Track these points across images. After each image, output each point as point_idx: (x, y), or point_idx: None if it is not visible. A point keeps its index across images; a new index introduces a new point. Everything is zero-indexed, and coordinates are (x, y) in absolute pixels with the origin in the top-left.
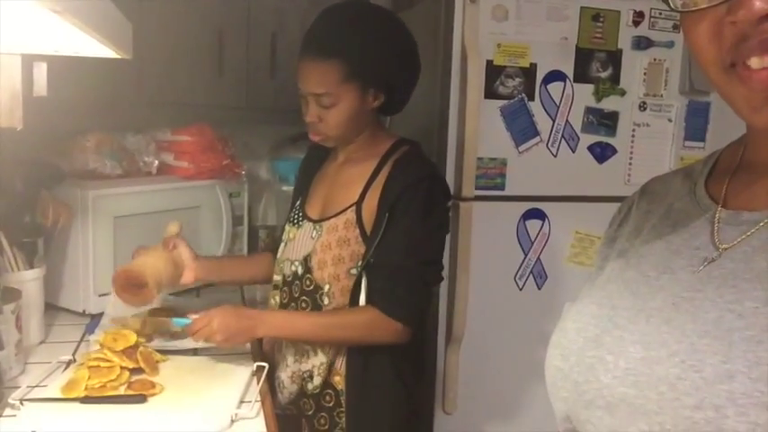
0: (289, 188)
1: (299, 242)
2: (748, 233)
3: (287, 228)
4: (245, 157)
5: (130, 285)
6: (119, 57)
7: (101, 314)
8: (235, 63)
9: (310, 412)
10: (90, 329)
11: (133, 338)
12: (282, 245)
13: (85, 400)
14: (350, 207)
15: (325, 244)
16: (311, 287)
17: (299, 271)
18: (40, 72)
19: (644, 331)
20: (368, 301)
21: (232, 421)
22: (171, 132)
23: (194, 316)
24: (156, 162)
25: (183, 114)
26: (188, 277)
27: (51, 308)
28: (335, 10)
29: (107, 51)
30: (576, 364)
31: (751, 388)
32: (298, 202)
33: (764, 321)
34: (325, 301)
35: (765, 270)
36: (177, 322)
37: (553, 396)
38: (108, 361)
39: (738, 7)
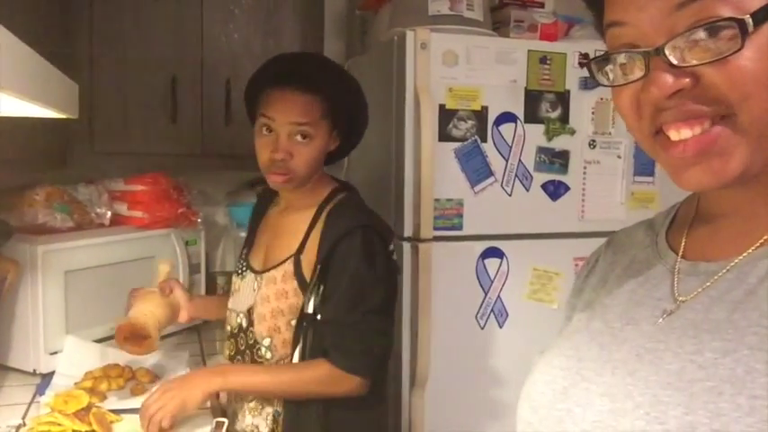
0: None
1: (242, 294)
2: (707, 284)
3: (233, 279)
4: (202, 204)
5: (134, 336)
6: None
7: (52, 373)
8: (189, 110)
9: None
10: (41, 390)
11: (85, 399)
12: (231, 296)
13: None
14: (288, 259)
15: (264, 296)
16: (252, 341)
17: (243, 323)
18: None
19: (610, 383)
20: (318, 356)
21: None
22: (124, 182)
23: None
24: (109, 213)
25: (136, 163)
26: (183, 317)
27: (0, 368)
28: (302, 54)
29: (52, 114)
30: (545, 417)
31: None
32: (243, 251)
33: (724, 372)
34: (267, 354)
35: (724, 320)
36: None
37: None
38: (59, 425)
39: (650, 84)
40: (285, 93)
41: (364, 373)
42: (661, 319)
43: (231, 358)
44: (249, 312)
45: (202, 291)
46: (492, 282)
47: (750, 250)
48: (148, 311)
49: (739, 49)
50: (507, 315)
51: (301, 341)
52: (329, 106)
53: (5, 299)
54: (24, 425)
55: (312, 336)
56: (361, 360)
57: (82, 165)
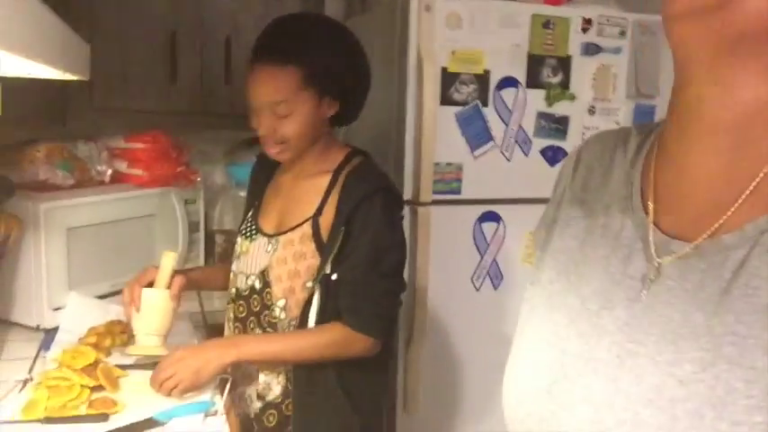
0: (245, 193)
1: (253, 256)
2: (688, 271)
3: (239, 240)
4: (201, 163)
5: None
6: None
7: (56, 329)
8: (188, 68)
9: (273, 423)
10: (45, 346)
11: (92, 355)
12: (236, 258)
13: (46, 420)
14: (306, 221)
15: (281, 258)
16: (269, 302)
17: (257, 285)
18: None
19: (592, 388)
20: (331, 316)
21: None
22: (124, 140)
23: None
24: (110, 171)
25: (135, 121)
26: (177, 283)
27: (3, 323)
28: (288, 18)
29: (65, 76)
30: (530, 413)
31: None
32: (250, 214)
33: (704, 391)
34: (281, 315)
35: (701, 325)
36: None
37: (508, 427)
38: (67, 380)
39: None
40: (257, 70)
41: (377, 335)
42: (637, 305)
43: (240, 320)
44: (264, 274)
45: (201, 249)
46: (488, 245)
47: (717, 225)
48: (157, 328)
49: None
50: (502, 278)
51: (318, 301)
52: (309, 74)
53: (8, 255)
54: (31, 379)
55: (326, 296)
56: (375, 322)
57: (81, 121)
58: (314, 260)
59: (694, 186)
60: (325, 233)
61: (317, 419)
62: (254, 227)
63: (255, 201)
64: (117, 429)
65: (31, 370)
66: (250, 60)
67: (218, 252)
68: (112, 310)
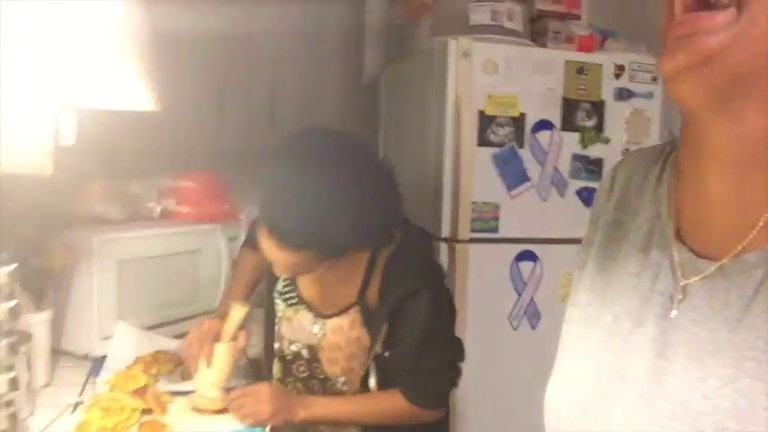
0: None
1: (298, 327)
2: (718, 289)
3: (279, 303)
4: (243, 203)
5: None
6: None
7: (103, 357)
8: (235, 113)
9: None
10: (94, 372)
11: (143, 380)
12: (277, 320)
13: None
14: (352, 306)
15: (334, 344)
16: (322, 376)
17: (304, 353)
18: (69, 122)
19: (625, 406)
20: (391, 386)
21: None
22: (173, 178)
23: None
24: (159, 207)
25: (184, 161)
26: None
27: (54, 351)
28: (296, 179)
29: (146, 105)
30: (565, 430)
31: None
32: (288, 281)
33: (727, 405)
34: (344, 388)
35: (724, 342)
36: None
37: None
38: (119, 401)
39: None
40: (268, 243)
41: (440, 405)
42: (665, 323)
43: (285, 380)
44: (312, 350)
45: None
46: (526, 284)
47: (740, 246)
48: (221, 381)
49: None
50: (540, 317)
51: (375, 378)
52: (323, 253)
53: (62, 285)
54: (82, 403)
55: (383, 372)
56: (434, 397)
57: (132, 159)
58: (368, 341)
59: (713, 211)
60: (372, 315)
61: None
62: (294, 294)
63: None
64: None
65: (81, 394)
66: (260, 223)
67: (257, 290)
68: (157, 341)
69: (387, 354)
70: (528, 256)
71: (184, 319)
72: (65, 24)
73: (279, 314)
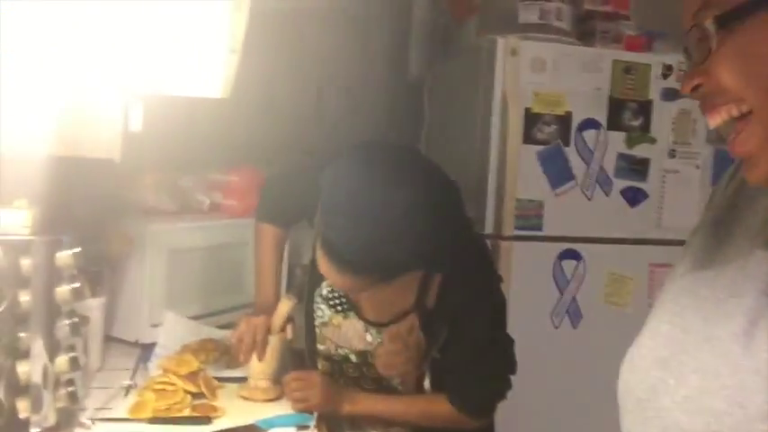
0: None
1: (347, 333)
2: None
3: (325, 310)
4: None
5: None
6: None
7: (153, 344)
8: (282, 109)
9: None
10: (145, 358)
11: (195, 364)
12: (320, 323)
13: (153, 420)
14: (410, 312)
15: (391, 351)
16: (376, 375)
17: (353, 359)
18: (137, 109)
19: (705, 360)
20: (443, 393)
21: None
22: (220, 173)
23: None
24: (208, 200)
25: (232, 155)
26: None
27: (104, 337)
28: (359, 201)
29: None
30: (641, 381)
31: None
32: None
33: None
34: (399, 388)
35: None
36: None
37: (620, 406)
38: (172, 384)
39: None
40: (329, 265)
41: (488, 415)
42: (765, 298)
43: (334, 376)
44: (364, 354)
45: (284, 279)
46: (568, 283)
47: None
48: (272, 373)
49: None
50: (581, 316)
51: (429, 380)
52: (386, 275)
53: (115, 272)
54: (135, 385)
55: (437, 374)
56: (485, 408)
57: (183, 151)
58: (425, 344)
59: None
60: (430, 320)
61: None
62: (344, 301)
63: None
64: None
65: (132, 378)
66: (321, 245)
67: (297, 284)
68: (205, 331)
69: (437, 354)
70: (571, 254)
71: (230, 310)
72: (136, 9)
73: (323, 318)
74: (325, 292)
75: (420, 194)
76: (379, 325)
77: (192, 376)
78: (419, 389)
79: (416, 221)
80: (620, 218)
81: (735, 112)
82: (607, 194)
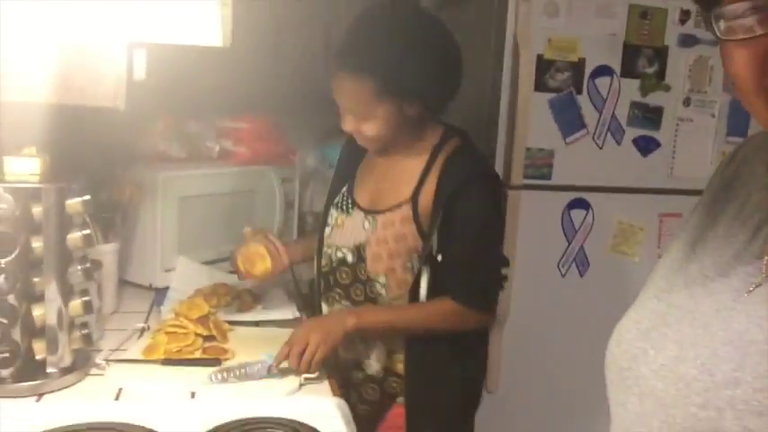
0: None
1: (348, 230)
2: None
3: (333, 213)
4: (296, 145)
5: (249, 260)
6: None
7: (166, 288)
8: (290, 53)
9: (375, 396)
10: (158, 302)
11: (206, 308)
12: (328, 229)
13: (165, 361)
14: (405, 203)
15: (381, 238)
16: (365, 277)
17: (349, 258)
18: (140, 58)
19: (685, 332)
20: (443, 294)
21: (300, 385)
22: (230, 119)
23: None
24: (217, 147)
25: (239, 101)
26: (284, 261)
27: (119, 281)
28: (373, 18)
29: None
30: (625, 351)
31: (751, 397)
32: (344, 189)
33: None
34: (382, 292)
35: None
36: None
37: (606, 377)
38: (184, 328)
39: None
40: (337, 77)
41: (491, 309)
42: (752, 279)
43: (330, 291)
44: (358, 249)
45: (295, 228)
46: (576, 232)
47: None
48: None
49: None
50: (588, 265)
51: (427, 282)
52: (383, 86)
53: (127, 219)
54: (148, 328)
55: (434, 277)
56: (486, 297)
57: (189, 97)
58: (414, 242)
59: None
60: (424, 215)
61: (432, 389)
62: (350, 200)
63: (350, 176)
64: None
65: (146, 321)
66: (333, 62)
67: (309, 232)
68: (217, 275)
69: (440, 257)
70: (580, 203)
71: None
72: None
73: (331, 224)
74: (337, 199)
75: (426, 30)
76: (375, 212)
77: (203, 320)
78: (413, 299)
79: (417, 44)
80: (631, 167)
81: None
82: (619, 143)
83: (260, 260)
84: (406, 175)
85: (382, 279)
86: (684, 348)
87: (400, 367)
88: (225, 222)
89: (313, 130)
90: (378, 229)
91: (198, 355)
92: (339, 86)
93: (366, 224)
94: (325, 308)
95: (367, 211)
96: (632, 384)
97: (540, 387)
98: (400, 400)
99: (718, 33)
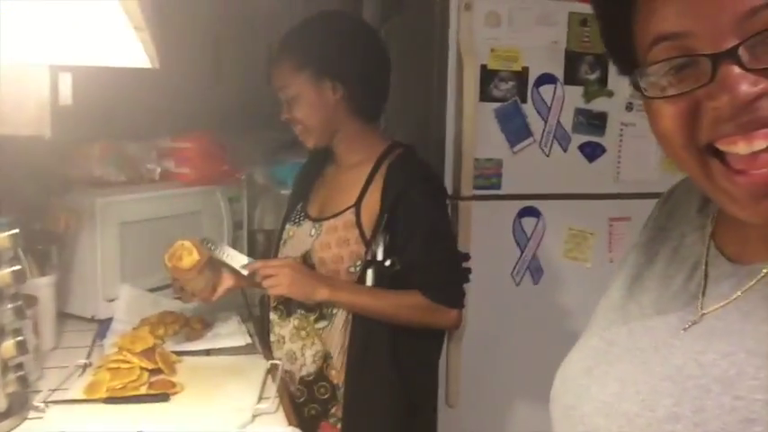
0: (287, 192)
1: (297, 240)
2: (742, 289)
3: (287, 227)
4: (243, 163)
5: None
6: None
7: (109, 319)
8: (231, 71)
9: (301, 399)
10: (101, 335)
11: (151, 340)
12: (282, 243)
13: (109, 400)
14: (348, 209)
15: (325, 243)
16: None
17: None
18: (65, 82)
19: (626, 369)
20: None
21: (254, 417)
22: (171, 139)
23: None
24: (159, 169)
25: (181, 121)
26: (230, 280)
27: (59, 314)
28: (309, 20)
29: (145, 62)
30: (568, 389)
31: (692, 431)
32: (299, 205)
33: (717, 372)
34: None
35: (738, 331)
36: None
37: (551, 415)
38: (128, 362)
39: (721, 90)
40: (273, 67)
41: (458, 305)
42: (691, 318)
43: (284, 302)
44: (305, 258)
45: (245, 247)
46: (528, 240)
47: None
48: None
49: None
50: (542, 273)
51: (371, 284)
52: (302, 58)
53: (65, 249)
54: (90, 364)
55: (380, 282)
56: (454, 292)
57: (127, 120)
58: (357, 246)
59: (745, 228)
60: (367, 221)
61: (368, 400)
62: (303, 214)
63: (306, 193)
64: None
65: (88, 356)
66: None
67: (260, 251)
68: (163, 303)
69: (388, 262)
70: (530, 212)
71: None
72: None
73: (284, 238)
74: (292, 215)
75: (357, 31)
76: (322, 220)
77: (149, 352)
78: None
79: (353, 44)
80: (578, 173)
81: None
82: (565, 150)
83: (186, 253)
84: (351, 183)
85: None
86: (626, 385)
87: (332, 374)
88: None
89: (259, 146)
90: (322, 234)
91: (144, 390)
92: (271, 73)
93: (312, 231)
94: (273, 317)
95: (315, 220)
96: (577, 422)
97: (500, 398)
98: (333, 419)
99: (643, 92)
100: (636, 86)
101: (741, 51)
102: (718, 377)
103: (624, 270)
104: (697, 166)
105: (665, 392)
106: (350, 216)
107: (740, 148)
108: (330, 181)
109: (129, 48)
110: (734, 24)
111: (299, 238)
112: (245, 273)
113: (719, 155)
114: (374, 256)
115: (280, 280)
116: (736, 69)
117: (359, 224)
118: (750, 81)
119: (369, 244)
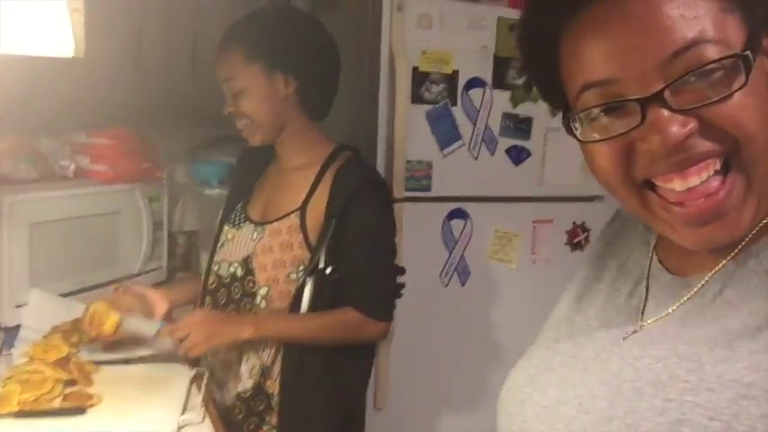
0: (211, 191)
1: (238, 243)
2: (680, 301)
3: (225, 228)
4: (163, 160)
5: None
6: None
7: (17, 327)
8: (154, 63)
9: (240, 416)
10: (8, 343)
11: (65, 349)
12: (218, 246)
13: (20, 414)
14: (293, 212)
15: (267, 247)
16: (254, 289)
17: (239, 272)
18: None
19: (567, 376)
20: (326, 308)
21: (179, 428)
22: (87, 135)
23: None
24: (73, 166)
25: (97, 115)
26: (162, 307)
27: None
28: (259, 11)
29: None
30: (513, 397)
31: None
32: (239, 205)
33: (651, 376)
34: (262, 304)
35: (672, 336)
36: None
37: (497, 423)
38: (40, 373)
39: (652, 132)
40: (217, 55)
41: (389, 318)
42: (632, 328)
43: (221, 308)
44: (246, 261)
45: (164, 249)
46: (456, 242)
47: (716, 269)
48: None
49: (744, 85)
50: (469, 274)
51: (309, 294)
52: (252, 49)
53: None
54: None
55: (318, 290)
56: (387, 306)
57: (41, 114)
58: (300, 251)
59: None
60: (312, 225)
61: (304, 408)
62: (242, 215)
63: (246, 192)
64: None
65: None
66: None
67: (180, 254)
68: (77, 309)
69: (329, 270)
70: (459, 214)
71: (103, 285)
72: None
73: (221, 240)
74: (231, 215)
75: (291, 11)
76: (264, 223)
77: (63, 362)
78: (293, 311)
79: (304, 33)
80: (504, 176)
81: (716, 167)
82: (492, 154)
83: (106, 317)
84: (296, 186)
85: (263, 291)
86: (565, 390)
87: (269, 384)
88: (85, 248)
89: (181, 144)
90: (264, 237)
91: (58, 404)
92: (216, 62)
93: (254, 235)
94: None
95: (257, 223)
96: (518, 429)
97: (428, 400)
98: (267, 427)
99: (576, 136)
100: (568, 129)
101: (667, 94)
102: (652, 380)
103: (573, 284)
104: (636, 201)
105: (601, 396)
106: (294, 219)
107: (676, 184)
108: (273, 182)
109: (51, 36)
110: (658, 68)
111: (240, 241)
112: (155, 343)
113: (656, 188)
114: (317, 263)
115: (196, 338)
116: (665, 112)
117: (303, 228)
118: (679, 122)
119: (313, 249)
